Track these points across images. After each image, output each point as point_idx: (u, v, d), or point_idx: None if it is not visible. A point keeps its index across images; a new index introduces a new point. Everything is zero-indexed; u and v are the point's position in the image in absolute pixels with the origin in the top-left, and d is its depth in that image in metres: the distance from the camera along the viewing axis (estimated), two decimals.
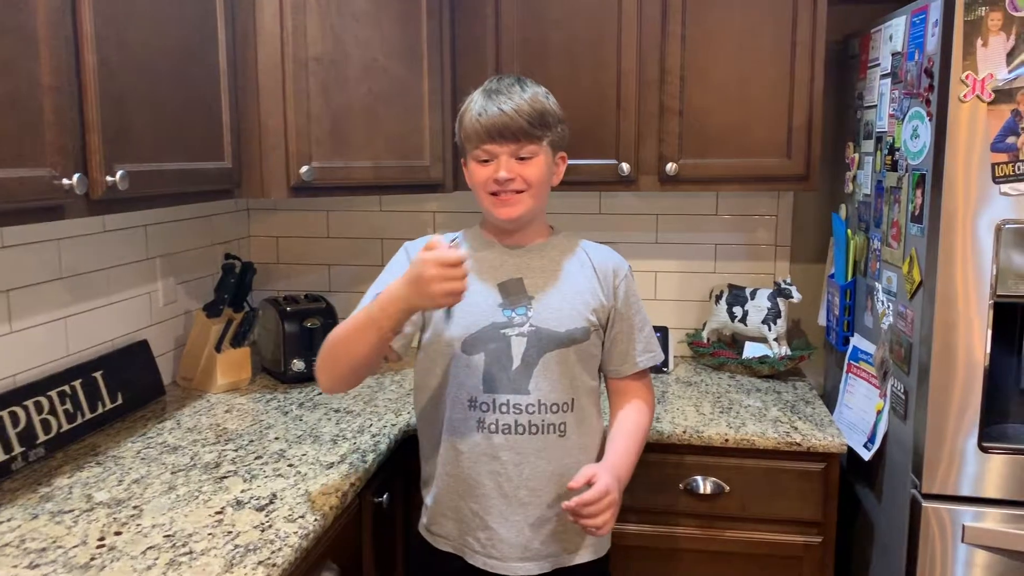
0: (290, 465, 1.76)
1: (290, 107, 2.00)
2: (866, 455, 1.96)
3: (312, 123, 2.03)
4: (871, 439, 1.96)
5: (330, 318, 2.40)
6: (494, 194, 1.57)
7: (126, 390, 2.07)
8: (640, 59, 2.22)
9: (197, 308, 2.37)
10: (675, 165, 2.22)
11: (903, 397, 1.81)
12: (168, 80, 1.68)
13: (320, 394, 2.26)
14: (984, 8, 1.56)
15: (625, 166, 2.23)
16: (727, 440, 1.97)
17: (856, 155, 2.19)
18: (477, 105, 1.56)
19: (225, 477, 1.70)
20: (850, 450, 2.00)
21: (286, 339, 2.33)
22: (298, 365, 2.33)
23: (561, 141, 1.62)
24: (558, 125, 1.60)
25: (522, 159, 1.55)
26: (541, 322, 1.60)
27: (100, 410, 1.97)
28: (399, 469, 1.98)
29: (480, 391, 1.59)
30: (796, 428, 2.00)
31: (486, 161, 1.56)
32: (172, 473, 1.72)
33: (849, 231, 2.19)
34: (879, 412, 1.94)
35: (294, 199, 2.38)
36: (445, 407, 1.63)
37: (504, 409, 1.58)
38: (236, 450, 1.85)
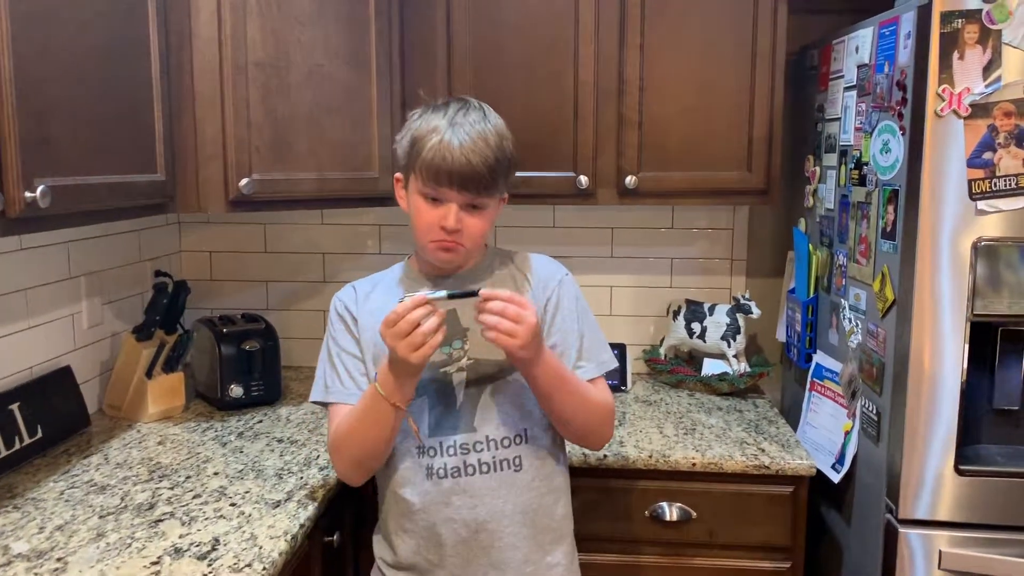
0: (232, 504, 1.62)
1: (228, 115, 1.85)
2: (835, 477, 1.91)
3: (252, 132, 1.88)
4: (839, 460, 1.91)
5: (270, 339, 2.25)
6: (439, 240, 1.46)
7: (47, 422, 1.89)
8: (598, 68, 2.14)
9: (125, 330, 2.20)
10: (634, 178, 2.14)
11: (875, 418, 1.76)
12: (95, 86, 1.52)
13: (260, 422, 2.11)
14: (960, 20, 1.51)
15: (583, 179, 2.15)
16: (694, 464, 1.90)
17: (817, 168, 2.15)
18: (438, 140, 1.40)
19: (161, 520, 1.55)
20: (817, 472, 1.94)
21: (223, 363, 2.18)
22: (236, 391, 2.18)
23: (510, 184, 1.52)
24: (514, 170, 1.50)
25: (474, 207, 1.45)
26: (477, 353, 1.49)
27: (17, 446, 1.79)
28: (349, 501, 1.85)
29: (426, 436, 1.50)
30: (763, 450, 1.94)
31: (435, 200, 1.44)
32: (101, 517, 1.56)
33: (811, 246, 2.14)
34: (847, 433, 1.89)
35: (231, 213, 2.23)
36: (394, 458, 1.53)
37: (452, 451, 1.49)
38: (172, 488, 1.69)
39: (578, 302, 1.58)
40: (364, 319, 1.54)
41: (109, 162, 1.57)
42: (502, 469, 1.49)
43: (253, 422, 2.11)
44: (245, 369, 2.19)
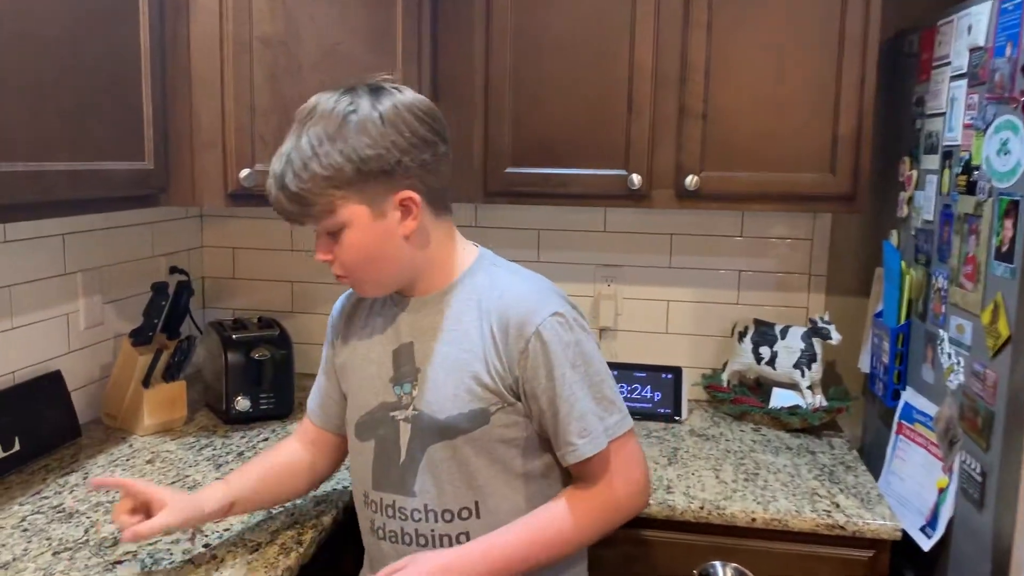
0: (206, 546, 1.40)
1: (229, 97, 1.64)
2: (926, 544, 1.59)
3: (256, 118, 1.67)
4: (931, 523, 1.59)
5: (283, 347, 2.03)
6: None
7: (27, 433, 1.71)
8: (657, 51, 1.86)
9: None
10: (696, 178, 1.85)
11: (978, 479, 1.44)
12: (65, 56, 1.32)
13: (266, 440, 1.90)
14: None
15: (636, 178, 1.87)
16: (754, 520, 1.60)
17: (914, 172, 1.82)
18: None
19: (120, 562, 1.34)
20: (903, 535, 1.63)
21: (229, 371, 1.97)
22: (243, 403, 1.97)
23: (388, 182, 1.18)
24: (359, 173, 1.15)
25: (330, 234, 1.21)
26: (422, 404, 1.25)
27: None
28: (349, 543, 1.62)
29: (370, 486, 1.29)
30: (838, 505, 1.63)
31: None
32: (55, 554, 1.35)
33: (904, 263, 1.82)
34: (942, 490, 1.57)
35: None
36: (354, 501, 1.38)
37: (390, 512, 1.27)
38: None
39: (568, 350, 1.21)
40: (344, 335, 1.40)
41: (80, 147, 1.37)
42: (442, 544, 1.26)
43: (257, 440, 1.90)
44: (254, 379, 1.98)
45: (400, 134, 1.17)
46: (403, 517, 1.27)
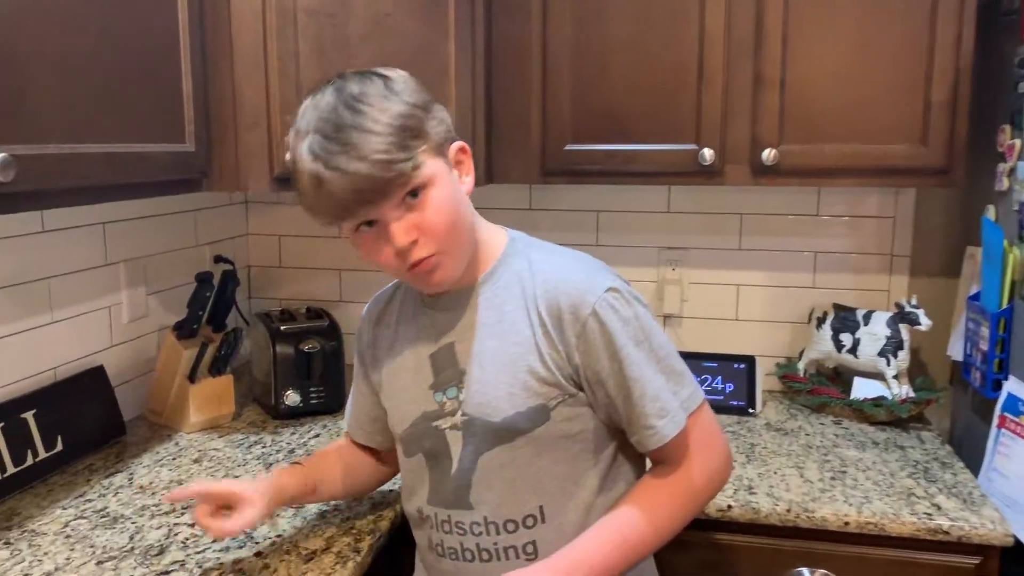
0: (257, 554, 1.30)
1: (273, 73, 1.53)
2: None
3: (302, 95, 1.52)
4: None
5: (333, 338, 1.93)
6: (412, 266, 1.07)
7: (69, 432, 1.63)
8: (729, 15, 1.72)
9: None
10: (774, 152, 1.71)
11: None
12: (96, 30, 1.22)
13: (317, 436, 1.80)
14: None
15: (708, 153, 1.73)
16: (847, 523, 1.47)
17: (1016, 141, 1.66)
18: (307, 162, 1.02)
19: (167, 573, 1.25)
20: (1015, 541, 1.48)
21: (278, 364, 1.88)
22: (292, 398, 1.88)
23: (443, 132, 1.08)
24: (426, 119, 1.05)
25: (413, 201, 1.04)
26: (472, 408, 1.12)
27: (29, 461, 1.54)
28: (407, 549, 1.51)
29: (424, 501, 1.18)
30: (939, 507, 1.49)
31: (363, 224, 1.06)
32: (98, 563, 1.27)
33: (1006, 242, 1.66)
34: None
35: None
36: (408, 517, 1.27)
37: (447, 528, 1.16)
38: (192, 525, 1.40)
39: (629, 327, 1.10)
40: (378, 343, 1.29)
41: (113, 129, 1.27)
42: (507, 558, 1.14)
43: (308, 436, 1.81)
44: (303, 372, 1.89)
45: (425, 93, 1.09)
46: (461, 532, 1.15)
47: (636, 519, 1.12)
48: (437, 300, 1.18)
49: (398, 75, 1.07)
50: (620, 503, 1.15)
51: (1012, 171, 1.68)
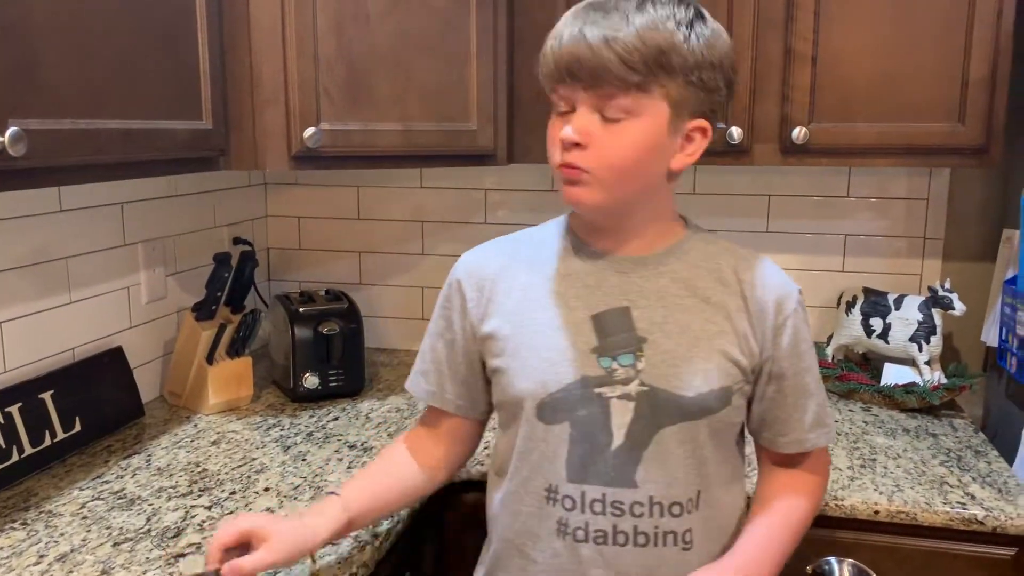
0: None
1: (291, 47, 1.50)
2: None
3: (321, 71, 1.53)
4: None
5: (352, 321, 1.91)
6: (561, 165, 1.05)
7: (87, 413, 1.62)
8: None
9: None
10: (804, 130, 1.66)
11: None
12: (111, 3, 1.19)
13: (336, 419, 1.78)
14: None
15: (736, 131, 1.68)
16: (877, 512, 1.43)
17: None
18: (562, 22, 1.03)
19: (182, 555, 1.23)
20: None
21: (296, 347, 1.86)
22: (311, 380, 1.86)
23: (702, 101, 1.03)
24: (697, 73, 1.00)
25: (607, 119, 1.01)
26: (656, 379, 1.06)
27: (47, 442, 1.53)
28: (430, 536, 1.49)
29: (563, 479, 1.08)
30: (973, 496, 1.45)
31: (565, 113, 1.04)
32: (115, 545, 1.25)
33: None
34: None
35: (315, 171, 1.90)
36: (515, 497, 1.13)
37: (598, 508, 1.07)
38: (209, 507, 1.38)
39: (808, 332, 1.16)
40: (500, 299, 1.15)
41: (129, 104, 1.24)
42: (664, 544, 1.08)
43: (327, 419, 1.79)
44: (322, 355, 1.87)
45: (731, 65, 1.06)
46: (617, 512, 1.07)
47: (788, 520, 1.16)
48: (616, 261, 1.12)
49: (716, 27, 1.04)
50: (786, 493, 1.17)
51: None
